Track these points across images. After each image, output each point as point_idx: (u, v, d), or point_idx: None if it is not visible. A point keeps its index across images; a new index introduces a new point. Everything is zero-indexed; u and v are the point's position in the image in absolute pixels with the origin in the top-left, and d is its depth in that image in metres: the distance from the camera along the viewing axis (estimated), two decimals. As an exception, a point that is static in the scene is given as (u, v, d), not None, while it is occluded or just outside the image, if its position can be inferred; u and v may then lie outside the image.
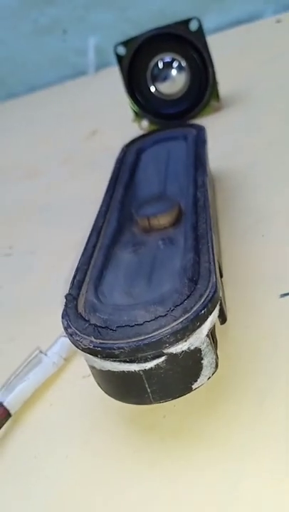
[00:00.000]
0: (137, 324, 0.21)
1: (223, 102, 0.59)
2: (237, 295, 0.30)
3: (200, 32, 0.54)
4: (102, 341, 0.21)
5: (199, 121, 0.58)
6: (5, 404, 0.27)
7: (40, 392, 0.29)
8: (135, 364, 0.21)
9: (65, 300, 0.24)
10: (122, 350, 0.20)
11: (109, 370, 0.21)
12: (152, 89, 0.59)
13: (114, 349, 0.20)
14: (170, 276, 0.23)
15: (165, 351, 0.20)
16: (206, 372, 0.22)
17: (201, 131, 0.39)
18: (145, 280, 0.24)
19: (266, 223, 0.36)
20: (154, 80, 0.58)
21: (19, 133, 0.85)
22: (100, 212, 0.32)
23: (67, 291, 0.25)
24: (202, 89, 0.57)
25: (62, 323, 0.23)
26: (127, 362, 0.21)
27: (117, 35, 0.58)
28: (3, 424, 0.27)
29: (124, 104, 0.61)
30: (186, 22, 0.54)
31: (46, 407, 0.28)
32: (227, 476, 0.21)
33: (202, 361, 0.22)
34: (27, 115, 0.93)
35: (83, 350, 0.21)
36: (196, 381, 0.22)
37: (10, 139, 0.84)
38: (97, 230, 0.30)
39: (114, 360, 0.21)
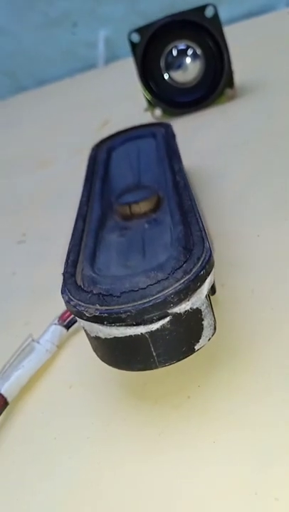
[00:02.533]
0: (141, 288, 0.21)
1: (238, 91, 0.58)
2: (263, 277, 0.30)
3: (216, 18, 0.54)
4: (108, 308, 0.21)
5: (214, 109, 0.57)
6: (2, 392, 0.27)
7: (59, 375, 0.29)
8: (142, 326, 0.21)
9: (62, 277, 0.24)
10: (128, 313, 0.21)
11: (114, 337, 0.22)
12: (166, 77, 0.58)
13: (121, 313, 0.21)
14: (164, 248, 0.24)
15: (170, 311, 0.21)
16: (206, 333, 0.23)
17: (168, 127, 0.39)
18: (140, 255, 0.24)
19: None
20: (168, 67, 0.58)
21: (31, 126, 0.85)
22: (81, 201, 0.32)
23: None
24: (217, 77, 0.57)
25: (63, 297, 0.23)
26: (134, 325, 0.21)
27: (127, 28, 0.58)
28: (1, 413, 0.27)
29: (135, 96, 0.60)
30: (201, 9, 0.54)
31: (66, 389, 0.28)
32: (257, 456, 0.21)
33: (203, 322, 0.22)
34: (38, 108, 0.93)
35: (88, 319, 0.22)
36: (198, 342, 0.22)
37: (22, 131, 0.84)
38: (82, 217, 0.30)
39: (121, 325, 0.21)
